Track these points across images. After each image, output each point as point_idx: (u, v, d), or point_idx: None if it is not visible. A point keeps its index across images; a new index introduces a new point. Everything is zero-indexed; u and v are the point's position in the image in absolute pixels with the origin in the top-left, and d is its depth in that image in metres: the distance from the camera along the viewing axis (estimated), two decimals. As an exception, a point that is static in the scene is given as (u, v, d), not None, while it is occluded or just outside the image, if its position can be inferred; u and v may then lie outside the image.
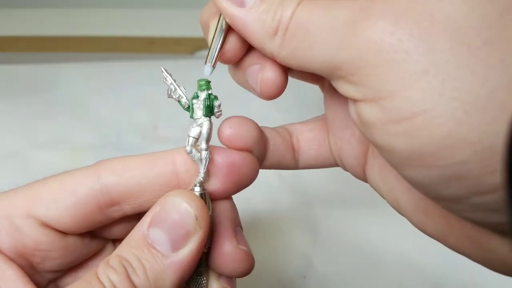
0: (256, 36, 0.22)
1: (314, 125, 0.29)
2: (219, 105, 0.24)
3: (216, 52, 0.24)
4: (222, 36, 0.24)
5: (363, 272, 0.41)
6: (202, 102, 0.24)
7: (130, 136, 0.55)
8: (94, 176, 0.23)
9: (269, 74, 0.24)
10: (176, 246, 0.21)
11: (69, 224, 0.23)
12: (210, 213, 0.23)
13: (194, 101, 0.24)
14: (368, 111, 0.20)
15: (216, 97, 0.24)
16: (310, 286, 0.40)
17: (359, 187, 0.50)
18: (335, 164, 0.29)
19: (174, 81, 0.25)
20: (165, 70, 0.25)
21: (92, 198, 0.23)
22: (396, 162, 0.20)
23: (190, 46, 0.75)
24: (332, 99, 0.27)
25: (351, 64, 0.20)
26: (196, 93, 0.24)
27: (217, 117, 0.24)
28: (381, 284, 0.40)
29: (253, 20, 0.22)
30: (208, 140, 0.24)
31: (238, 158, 0.24)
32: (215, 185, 0.24)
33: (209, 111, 0.24)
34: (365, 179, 0.28)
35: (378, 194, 0.48)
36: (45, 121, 0.57)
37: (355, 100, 0.21)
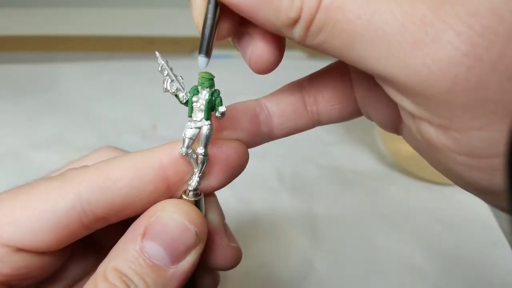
0: (268, 25, 0.18)
1: (331, 80, 0.24)
2: (223, 113, 0.21)
3: (209, 39, 0.19)
4: (216, 16, 0.19)
5: (363, 273, 0.41)
6: (204, 103, 0.21)
7: (130, 136, 0.55)
8: (73, 193, 0.20)
9: (259, 51, 0.20)
10: (175, 259, 0.20)
11: (49, 245, 0.21)
12: (203, 213, 0.22)
13: (194, 98, 0.21)
14: (433, 134, 0.17)
15: (220, 100, 0.21)
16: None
17: (359, 187, 0.50)
18: (360, 115, 0.26)
19: (171, 69, 0.21)
20: (160, 55, 0.21)
21: (74, 218, 0.21)
22: (461, 184, 0.19)
23: (190, 46, 0.75)
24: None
25: (418, 87, 0.16)
26: (197, 88, 0.21)
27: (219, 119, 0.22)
28: (381, 285, 0.40)
29: (262, 4, 0.18)
30: (207, 144, 0.21)
31: (231, 152, 0.23)
32: (207, 183, 0.23)
33: (211, 114, 0.21)
34: (396, 133, 0.25)
35: (379, 194, 0.48)
36: (44, 121, 0.57)
37: (413, 115, 0.18)
